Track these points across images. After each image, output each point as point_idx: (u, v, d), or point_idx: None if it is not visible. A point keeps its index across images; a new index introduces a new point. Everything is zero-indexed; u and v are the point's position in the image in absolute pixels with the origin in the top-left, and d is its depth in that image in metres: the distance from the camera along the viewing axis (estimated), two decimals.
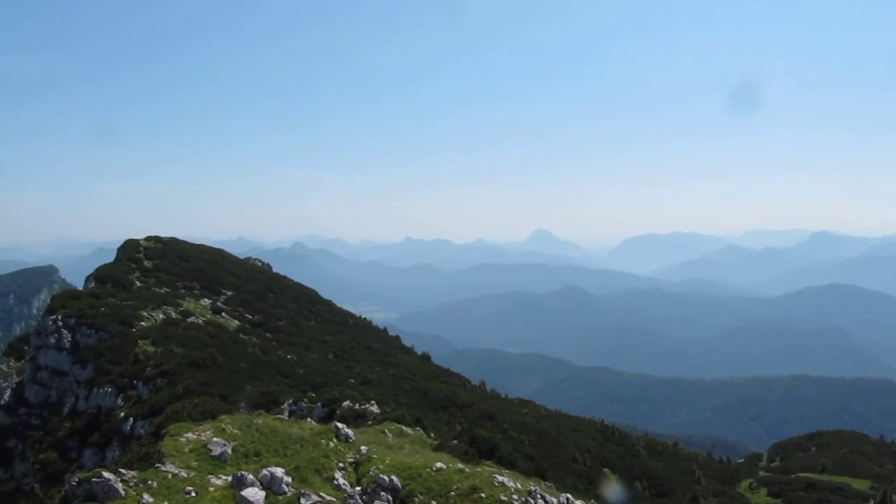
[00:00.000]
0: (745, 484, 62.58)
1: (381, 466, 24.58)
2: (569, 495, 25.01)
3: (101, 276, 74.12)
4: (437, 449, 29.61)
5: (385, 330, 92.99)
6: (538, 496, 23.04)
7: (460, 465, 25.42)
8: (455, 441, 32.44)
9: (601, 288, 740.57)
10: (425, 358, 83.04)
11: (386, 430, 31.59)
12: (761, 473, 67.10)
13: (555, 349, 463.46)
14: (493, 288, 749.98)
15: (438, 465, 24.79)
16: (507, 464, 29.99)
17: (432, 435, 34.13)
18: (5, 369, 68.22)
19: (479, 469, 25.78)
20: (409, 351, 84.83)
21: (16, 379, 64.22)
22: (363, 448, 26.98)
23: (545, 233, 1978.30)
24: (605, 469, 55.05)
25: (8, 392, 62.60)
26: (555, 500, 23.77)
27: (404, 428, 32.96)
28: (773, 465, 71.98)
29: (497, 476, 24.34)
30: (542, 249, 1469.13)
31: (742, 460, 79.13)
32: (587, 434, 63.92)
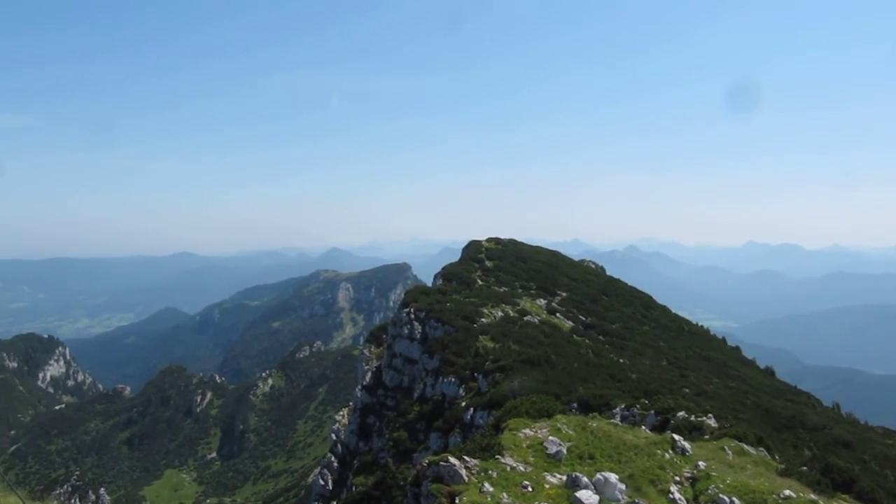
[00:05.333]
0: None
1: (720, 486, 23.04)
2: None
3: (448, 273, 79.95)
4: (783, 474, 27.03)
5: (723, 339, 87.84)
6: None
7: (812, 496, 22.92)
8: (804, 467, 29.40)
9: None
10: (768, 372, 76.80)
11: (725, 447, 29.57)
12: None
13: None
14: (851, 299, 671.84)
15: (787, 492, 22.58)
16: (867, 501, 26.44)
17: (777, 457, 31.31)
18: (367, 354, 76.49)
19: (834, 503, 23.04)
20: (751, 363, 79.06)
21: (375, 363, 71.78)
22: (701, 463, 25.53)
23: None
24: None
25: (369, 375, 70.24)
26: None
27: (745, 447, 30.60)
28: None
29: None
30: None
31: None
32: None
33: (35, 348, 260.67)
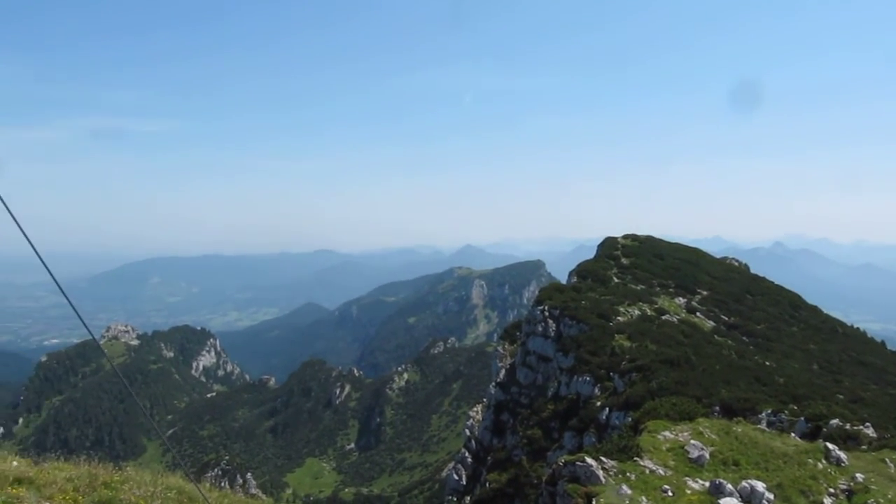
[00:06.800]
0: None
1: (881, 501, 21.42)
2: None
3: (583, 271, 78.76)
4: None
5: (882, 343, 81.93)
6: None
7: None
8: None
9: None
10: None
11: (886, 459, 27.45)
12: None
13: None
14: None
15: None
16: None
17: None
18: (501, 351, 76.57)
19: None
20: None
21: (509, 360, 71.75)
22: (858, 475, 23.81)
23: None
24: None
25: (503, 372, 70.30)
26: None
27: None
28: None
29: None
30: None
31: None
32: None
33: (189, 339, 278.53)
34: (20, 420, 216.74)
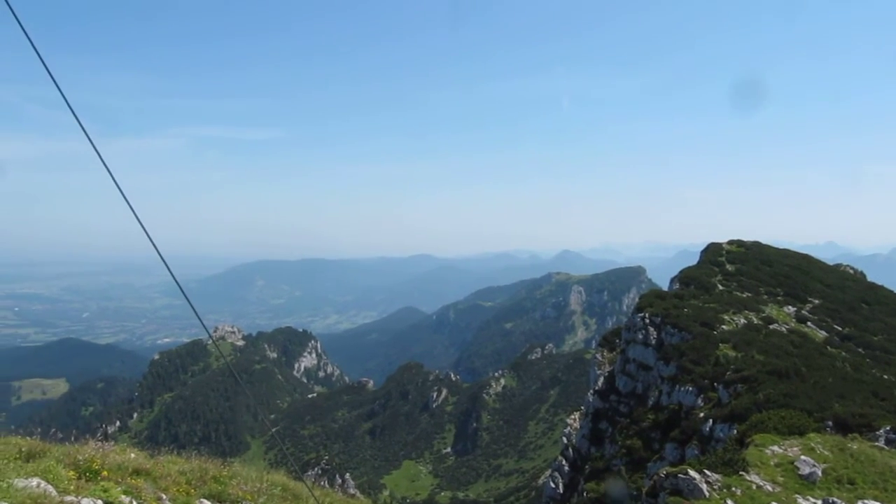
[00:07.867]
0: None
1: None
2: None
3: (685, 277, 76.65)
4: None
5: None
6: None
7: None
8: None
9: None
10: None
11: None
12: None
13: None
14: None
15: None
16: None
17: None
18: (599, 358, 75.44)
19: None
20: None
21: (608, 368, 70.57)
22: None
23: None
24: None
25: (601, 379, 69.19)
26: None
27: None
28: None
29: None
30: None
31: None
32: None
33: (292, 341, 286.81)
34: (135, 415, 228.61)
